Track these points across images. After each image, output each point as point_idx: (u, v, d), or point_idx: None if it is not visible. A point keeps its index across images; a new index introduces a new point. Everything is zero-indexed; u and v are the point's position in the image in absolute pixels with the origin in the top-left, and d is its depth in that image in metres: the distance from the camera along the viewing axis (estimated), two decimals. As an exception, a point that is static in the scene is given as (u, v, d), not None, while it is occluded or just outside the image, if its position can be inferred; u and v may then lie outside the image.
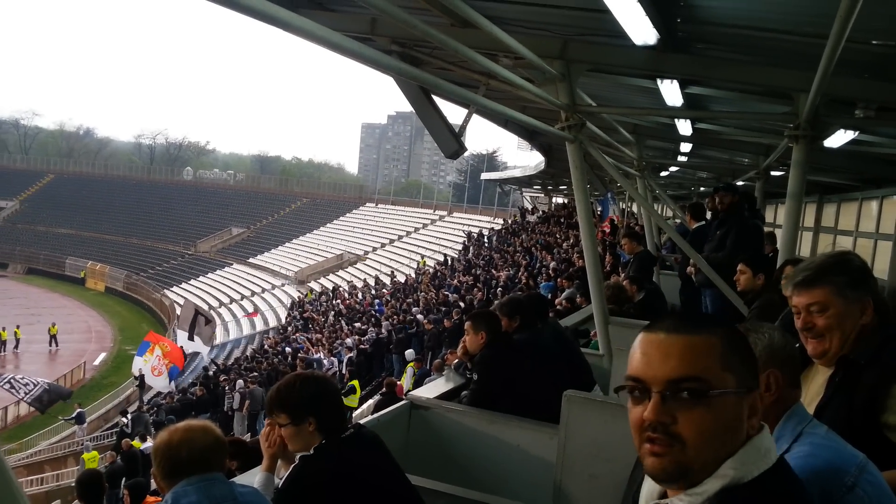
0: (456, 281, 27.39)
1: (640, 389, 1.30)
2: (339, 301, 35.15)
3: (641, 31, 4.86)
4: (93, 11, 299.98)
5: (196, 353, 29.46)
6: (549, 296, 13.99)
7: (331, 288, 41.69)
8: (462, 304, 20.85)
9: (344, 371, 21.07)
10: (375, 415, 4.72)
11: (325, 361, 22.25)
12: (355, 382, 18.28)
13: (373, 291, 35.32)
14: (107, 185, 75.46)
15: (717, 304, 6.95)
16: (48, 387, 22.68)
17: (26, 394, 22.49)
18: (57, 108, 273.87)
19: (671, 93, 6.97)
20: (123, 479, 11.15)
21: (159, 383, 24.00)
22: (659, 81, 6.62)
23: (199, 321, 24.29)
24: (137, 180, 78.58)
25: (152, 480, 7.85)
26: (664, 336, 1.31)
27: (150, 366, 22.80)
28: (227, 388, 22.31)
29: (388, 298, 30.88)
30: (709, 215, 8.73)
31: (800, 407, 1.85)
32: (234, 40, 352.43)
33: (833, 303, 2.24)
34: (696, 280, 7.62)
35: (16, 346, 36.77)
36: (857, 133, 7.08)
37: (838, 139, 7.15)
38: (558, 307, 11.63)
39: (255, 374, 23.61)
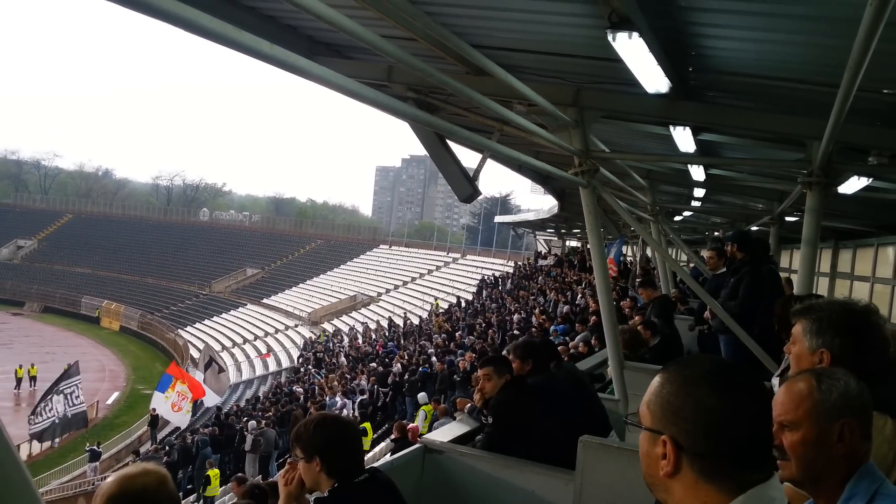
0: (471, 321, 27.32)
1: None
2: (347, 344, 35.14)
3: (654, 80, 4.93)
4: (113, 55, 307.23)
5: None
6: (565, 338, 13.94)
7: (345, 330, 41.69)
8: (477, 347, 20.76)
9: (356, 413, 20.94)
10: (389, 458, 4.70)
11: (338, 402, 22.08)
12: (367, 425, 18.14)
13: (386, 333, 35.24)
14: (124, 225, 76.30)
15: (731, 350, 6.90)
16: (61, 419, 22.70)
17: (34, 425, 22.67)
18: (77, 149, 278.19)
19: (684, 139, 7.03)
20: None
21: (178, 419, 23.41)
22: (672, 128, 6.69)
23: (213, 369, 24.08)
24: (154, 221, 79.45)
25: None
26: None
27: (171, 402, 22.23)
28: (240, 427, 22.18)
29: (402, 340, 30.84)
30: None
31: (872, 465, 1.76)
32: (252, 84, 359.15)
33: (798, 339, 2.41)
34: (712, 325, 7.58)
35: (31, 385, 36.82)
36: (870, 180, 7.09)
37: (852, 185, 7.15)
38: (571, 351, 11.57)
39: (269, 414, 23.50)
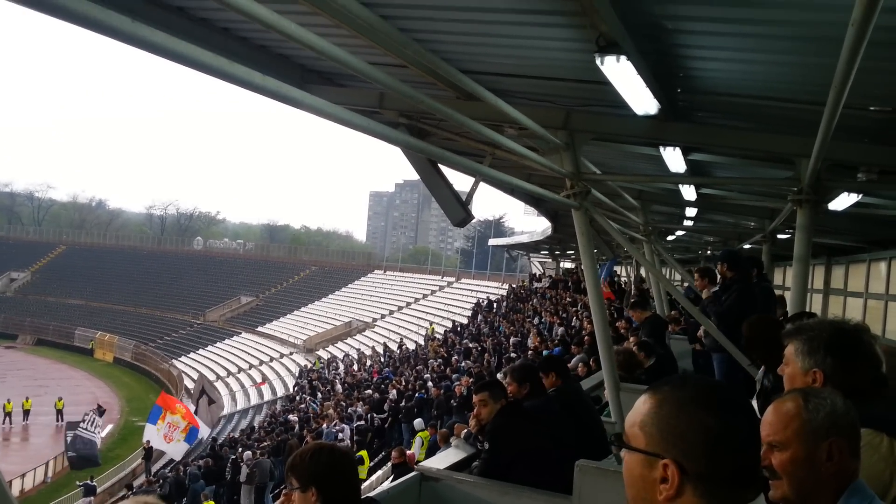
0: (467, 345, 27.21)
1: None
2: (343, 370, 34.91)
3: (642, 102, 4.97)
4: (106, 87, 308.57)
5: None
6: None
7: (339, 357, 41.47)
8: (473, 371, 20.65)
9: (354, 437, 20.70)
10: (385, 487, 4.65)
11: (335, 429, 21.83)
12: (364, 453, 17.95)
13: (381, 359, 35.06)
14: (117, 256, 76.08)
15: (724, 368, 6.89)
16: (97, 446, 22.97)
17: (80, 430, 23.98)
18: (70, 180, 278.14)
19: (674, 160, 7.08)
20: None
21: (172, 450, 23.18)
22: (662, 149, 6.74)
23: (205, 400, 23.93)
24: (148, 250, 79.32)
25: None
26: None
27: (163, 434, 21.97)
28: (234, 458, 21.91)
29: (398, 365, 30.67)
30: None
31: (861, 482, 1.77)
32: (245, 111, 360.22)
33: (790, 360, 2.41)
34: (704, 343, 7.59)
35: (24, 418, 36.42)
36: (860, 196, 7.14)
37: (842, 202, 7.20)
38: (571, 374, 11.51)
39: (265, 444, 23.23)
